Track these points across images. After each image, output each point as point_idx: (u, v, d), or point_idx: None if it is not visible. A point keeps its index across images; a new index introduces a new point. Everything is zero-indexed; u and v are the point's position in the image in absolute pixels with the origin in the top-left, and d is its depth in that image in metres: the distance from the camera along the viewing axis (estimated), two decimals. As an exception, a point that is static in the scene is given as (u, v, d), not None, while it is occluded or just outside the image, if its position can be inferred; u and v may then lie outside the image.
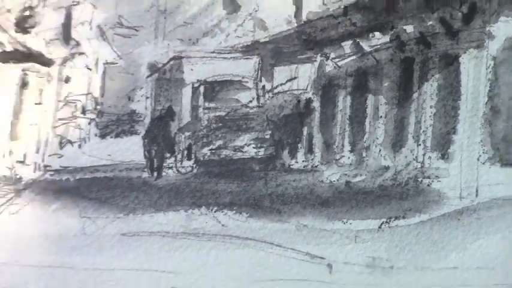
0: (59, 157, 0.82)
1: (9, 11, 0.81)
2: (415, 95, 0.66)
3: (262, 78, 0.46)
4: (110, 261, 1.15)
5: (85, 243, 1.03)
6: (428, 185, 0.85)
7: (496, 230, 0.80)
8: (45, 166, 0.68)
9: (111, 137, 0.57)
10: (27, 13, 0.79)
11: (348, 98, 0.50)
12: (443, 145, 0.66)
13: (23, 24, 0.73)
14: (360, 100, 0.55)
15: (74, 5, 0.65)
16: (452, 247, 0.91)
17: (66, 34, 0.62)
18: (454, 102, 0.83)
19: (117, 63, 0.51)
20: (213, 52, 0.63)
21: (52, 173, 0.79)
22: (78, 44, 0.57)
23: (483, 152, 0.95)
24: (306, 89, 0.47)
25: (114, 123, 0.70)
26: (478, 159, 0.83)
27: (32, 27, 0.65)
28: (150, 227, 0.93)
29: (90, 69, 0.62)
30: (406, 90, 0.64)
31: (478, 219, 0.80)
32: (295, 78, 0.46)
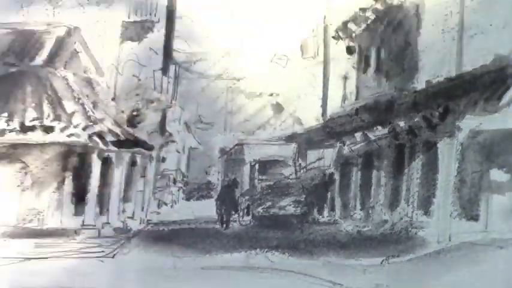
0: (157, 214, 1.13)
1: (123, 111, 1.17)
2: (406, 170, 0.88)
3: (299, 158, 0.76)
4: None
5: (175, 275, 1.44)
6: (415, 233, 1.07)
7: (464, 264, 1.16)
8: (148, 220, 0.96)
9: (194, 200, 0.89)
10: (135, 113, 1.15)
11: (359, 173, 0.81)
12: (425, 205, 0.90)
13: (133, 121, 1.06)
14: (367, 174, 0.86)
15: (167, 107, 0.97)
16: (433, 276, 1.24)
17: (162, 128, 0.92)
18: (433, 175, 1.10)
19: (198, 148, 0.82)
20: (264, 140, 0.94)
21: (152, 225, 1.10)
22: (170, 134, 0.88)
23: (454, 210, 1.26)
24: (330, 166, 0.77)
25: (195, 190, 1.04)
26: (450, 215, 1.10)
27: (139, 123, 0.95)
28: (221, 263, 1.29)
29: (179, 152, 0.96)
30: (399, 167, 0.89)
31: (451, 257, 1.10)
32: (322, 158, 0.76)
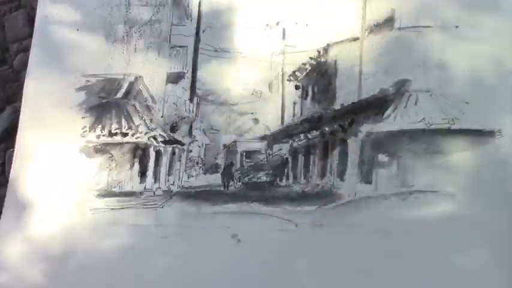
0: (187, 182, 1.26)
1: (167, 124, 1.29)
2: (329, 155, 1.04)
3: (269, 149, 1.04)
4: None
5: (199, 216, 1.65)
6: (336, 191, 1.14)
7: (363, 208, 0.96)
8: (182, 186, 1.11)
9: (208, 174, 1.11)
10: (174, 125, 1.29)
11: (303, 157, 1.08)
12: (341, 175, 1.00)
13: (173, 129, 1.20)
14: (307, 158, 1.11)
15: (193, 121, 1.14)
16: (346, 215, 1.30)
17: (190, 133, 1.05)
18: (345, 158, 1.17)
19: (210, 144, 1.07)
20: (248, 139, 1.15)
21: (185, 189, 1.11)
22: (194, 137, 1.14)
23: (357, 178, 1.39)
24: (286, 154, 1.04)
25: (209, 168, 1.23)
26: (355, 181, 1.10)
27: (177, 130, 1.13)
28: (224, 210, 1.46)
29: (199, 147, 1.18)
30: (325, 154, 1.09)
31: (355, 205, 1.07)
32: (281, 149, 1.03)
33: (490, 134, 0.59)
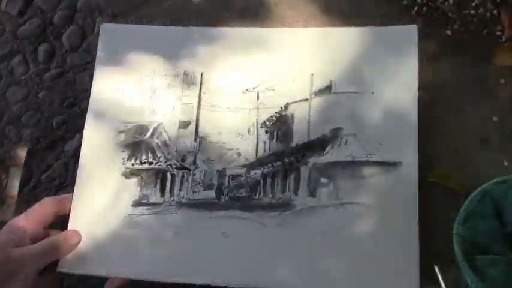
0: (192, 195, 0.86)
1: (176, 151, 0.80)
2: (287, 179, 0.70)
3: (247, 174, 0.62)
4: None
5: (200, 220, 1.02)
6: (292, 203, 0.71)
7: (312, 214, 0.71)
8: (189, 199, 0.76)
9: (207, 190, 0.68)
10: (184, 156, 0.75)
11: (269, 180, 0.78)
12: (295, 191, 0.42)
13: (184, 160, 0.74)
14: (273, 180, 0.79)
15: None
16: (299, 219, 0.81)
17: (194, 161, 0.74)
18: (298, 181, 0.70)
19: (208, 170, 0.71)
20: (234, 167, 0.66)
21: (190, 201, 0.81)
22: (198, 165, 0.77)
23: (306, 193, 0.87)
24: (259, 177, 0.71)
25: (208, 187, 0.70)
26: (306, 195, 0.70)
27: (185, 160, 0.72)
28: (215, 215, 0.84)
29: (201, 172, 0.71)
30: (284, 178, 0.75)
31: (308, 212, 0.48)
32: (256, 174, 0.64)
33: (395, 164, 0.67)
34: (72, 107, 0.87)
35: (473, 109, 0.67)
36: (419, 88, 0.67)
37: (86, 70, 0.86)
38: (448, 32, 0.72)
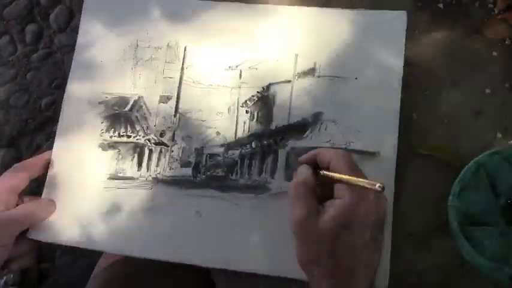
0: (169, 172, 0.85)
1: (158, 131, 0.74)
2: (265, 161, 0.70)
3: (224, 154, 0.66)
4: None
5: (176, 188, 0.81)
6: (268, 185, 0.65)
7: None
8: (165, 175, 0.73)
9: (184, 168, 0.65)
10: (162, 132, 0.70)
11: (247, 161, 0.79)
12: (272, 174, 0.65)
13: (161, 136, 0.69)
14: (250, 161, 0.77)
15: (175, 130, 0.76)
16: (273, 203, 0.71)
17: (173, 138, 0.69)
18: (276, 163, 0.70)
19: (186, 147, 0.68)
20: (212, 146, 0.59)
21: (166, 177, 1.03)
22: (176, 141, 0.73)
23: (284, 177, 0.85)
24: (236, 158, 0.70)
25: (185, 164, 0.62)
26: (283, 178, 0.74)
27: (163, 136, 0.68)
28: (191, 193, 0.78)
29: (179, 148, 0.68)
30: (262, 160, 0.74)
31: (282, 195, 0.66)
32: (234, 154, 0.66)
33: (373, 154, 0.66)
34: (60, 87, 0.87)
35: (466, 81, 0.67)
36: (411, 61, 0.67)
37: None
38: (440, 5, 0.71)
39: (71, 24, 0.82)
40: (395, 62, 0.67)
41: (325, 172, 0.56)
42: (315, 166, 0.58)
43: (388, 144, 0.65)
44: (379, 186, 0.49)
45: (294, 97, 0.72)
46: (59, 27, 0.81)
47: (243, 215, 0.66)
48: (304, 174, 0.56)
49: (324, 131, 0.70)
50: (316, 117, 0.70)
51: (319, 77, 0.70)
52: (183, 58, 0.73)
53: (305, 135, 0.71)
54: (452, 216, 0.56)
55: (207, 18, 0.76)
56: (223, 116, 0.72)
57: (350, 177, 0.52)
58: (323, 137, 0.70)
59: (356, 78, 0.69)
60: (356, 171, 0.54)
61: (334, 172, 0.54)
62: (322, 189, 0.55)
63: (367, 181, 0.50)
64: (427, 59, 0.68)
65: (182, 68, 0.73)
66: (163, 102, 0.73)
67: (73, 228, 0.71)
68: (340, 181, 0.52)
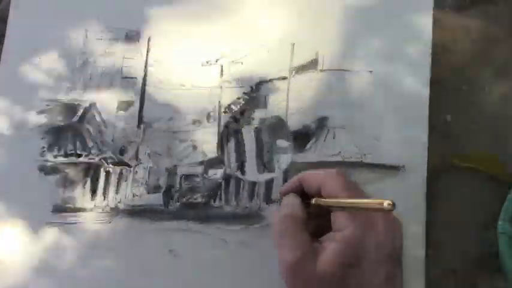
0: (132, 200, 1.00)
1: (117, 147, 0.97)
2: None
3: (204, 174, 0.75)
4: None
5: (142, 231, 1.27)
6: (260, 213, 0.93)
7: None
8: (127, 204, 0.87)
9: (152, 193, 0.79)
10: (123, 148, 0.84)
11: (234, 182, 0.86)
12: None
13: (122, 152, 0.89)
14: (238, 183, 0.87)
15: (140, 144, 0.92)
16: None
17: (136, 156, 0.88)
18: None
19: (153, 167, 0.82)
20: (187, 164, 0.77)
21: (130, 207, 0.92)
22: (140, 160, 0.90)
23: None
24: (219, 178, 0.81)
25: (153, 189, 0.89)
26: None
27: (125, 153, 0.80)
28: (164, 227, 0.98)
29: (144, 169, 0.87)
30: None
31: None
32: (216, 174, 0.76)
33: (396, 168, 0.59)
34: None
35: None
36: (442, 46, 0.61)
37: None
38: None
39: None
40: (421, 48, 0.61)
41: (318, 199, 0.49)
42: (302, 195, 0.52)
43: (415, 156, 0.59)
44: (388, 204, 0.41)
45: (292, 98, 0.64)
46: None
47: (231, 253, 0.59)
48: (291, 205, 0.50)
49: (331, 141, 0.61)
50: (321, 123, 0.62)
51: (322, 71, 0.63)
52: (147, 52, 0.66)
53: (307, 147, 0.62)
54: (503, 245, 0.52)
55: (174, 1, 0.68)
56: (201, 125, 0.65)
57: (351, 201, 0.46)
58: (330, 148, 0.61)
59: (370, 72, 0.62)
60: (356, 193, 0.48)
61: (328, 198, 0.48)
62: (315, 222, 0.49)
63: (371, 200, 0.43)
64: (463, 44, 0.62)
65: (146, 65, 0.65)
66: (122, 110, 0.66)
67: (8, 274, 0.62)
68: (337, 208, 0.47)
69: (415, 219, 0.57)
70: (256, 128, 0.65)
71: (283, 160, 0.63)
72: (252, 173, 0.63)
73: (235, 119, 0.65)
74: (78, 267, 0.62)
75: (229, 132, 0.65)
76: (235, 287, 0.59)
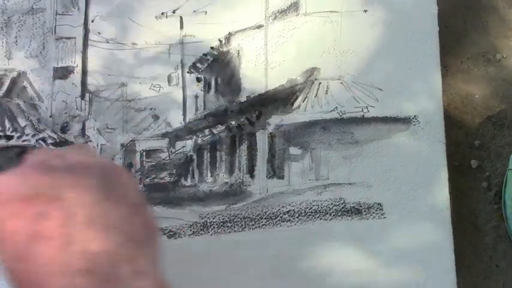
0: None
1: (57, 124, 1.20)
2: (237, 150, 0.99)
3: (170, 147, 1.01)
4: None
5: None
6: (245, 189, 1.07)
7: (275, 205, 0.98)
8: None
9: None
10: (65, 125, 1.16)
11: (209, 154, 1.05)
12: (251, 171, 0.99)
13: (64, 130, 1.15)
14: (214, 154, 1.09)
15: (85, 120, 1.17)
16: (257, 213, 1.23)
17: (83, 133, 1.08)
18: (254, 152, 0.92)
19: (106, 144, 1.04)
20: (148, 137, 1.12)
21: None
22: (88, 137, 1.13)
23: (268, 173, 1.27)
24: (190, 151, 1.02)
25: None
26: (266, 176, 1.01)
27: (68, 130, 1.05)
28: None
29: (94, 147, 1.11)
30: (233, 149, 1.07)
31: (268, 202, 0.99)
32: (184, 146, 1.01)
33: (406, 120, 0.57)
34: None
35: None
36: None
37: None
38: None
39: None
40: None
41: None
42: None
43: (430, 101, 0.57)
44: None
45: (271, 50, 0.61)
46: None
47: (210, 241, 0.58)
48: None
49: (323, 95, 0.58)
50: (310, 76, 0.59)
51: (306, 15, 0.60)
52: (86, 5, 0.61)
53: (295, 106, 0.60)
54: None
55: None
56: (161, 89, 0.62)
57: None
58: (324, 104, 0.58)
59: (365, 11, 0.59)
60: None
61: None
62: None
63: None
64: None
65: (86, 22, 0.61)
66: (60, 78, 0.62)
67: None
68: None
69: (436, 180, 0.55)
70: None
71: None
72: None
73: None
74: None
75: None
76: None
